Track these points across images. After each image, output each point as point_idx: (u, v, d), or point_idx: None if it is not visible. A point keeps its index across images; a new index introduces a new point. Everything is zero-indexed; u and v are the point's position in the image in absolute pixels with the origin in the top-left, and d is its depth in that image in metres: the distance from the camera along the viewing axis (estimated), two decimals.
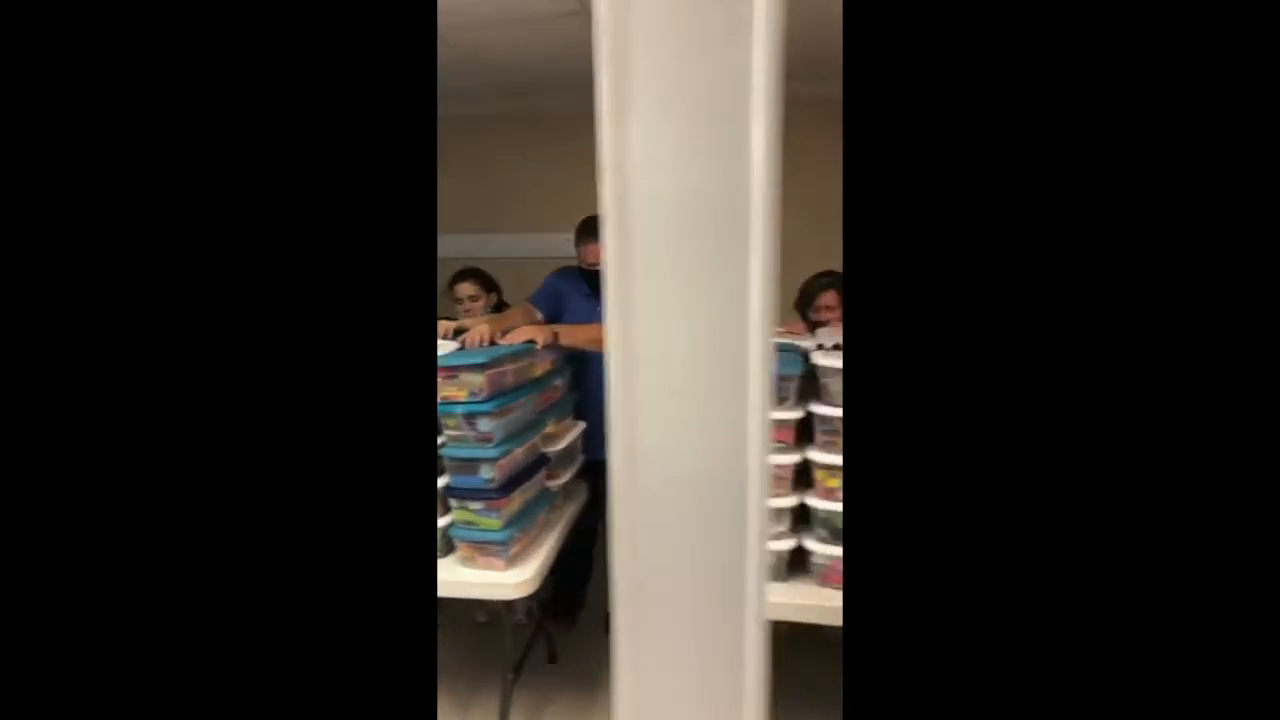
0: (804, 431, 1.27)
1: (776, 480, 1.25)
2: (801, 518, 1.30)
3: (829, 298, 1.76)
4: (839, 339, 1.35)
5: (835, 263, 1.88)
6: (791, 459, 1.24)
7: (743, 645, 0.49)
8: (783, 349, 1.32)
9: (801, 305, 1.83)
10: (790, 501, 1.25)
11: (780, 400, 1.24)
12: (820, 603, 1.23)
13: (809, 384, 1.27)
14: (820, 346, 1.28)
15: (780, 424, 1.23)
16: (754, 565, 0.48)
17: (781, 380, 1.23)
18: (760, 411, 0.47)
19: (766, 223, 0.45)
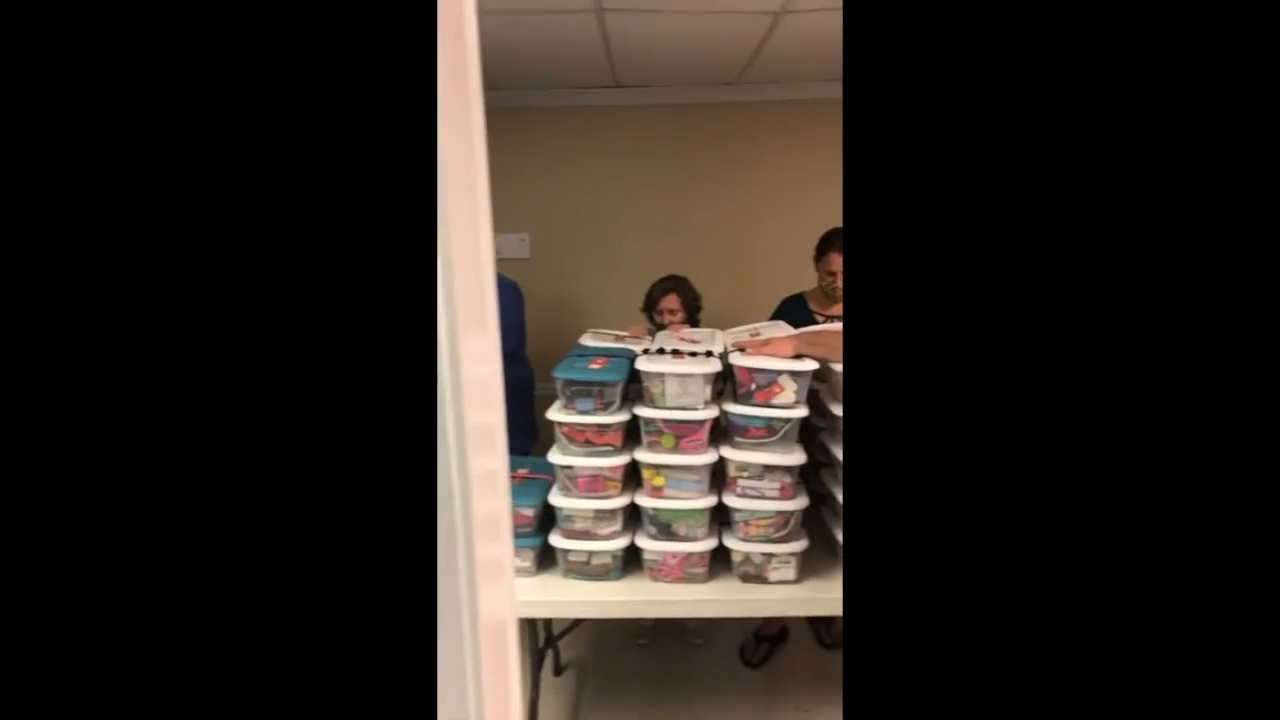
0: (632, 433, 1.31)
1: (607, 482, 1.29)
2: (633, 516, 1.34)
3: (670, 301, 1.84)
4: (675, 342, 1.40)
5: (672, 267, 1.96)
6: (621, 460, 1.28)
7: (463, 648, 0.51)
8: (612, 355, 1.36)
9: (646, 308, 1.89)
10: (622, 501, 1.29)
11: (606, 405, 1.27)
12: (651, 597, 1.28)
13: (635, 387, 1.31)
14: (645, 351, 1.33)
15: (608, 428, 1.27)
16: (465, 570, 0.50)
17: (608, 386, 1.26)
18: (455, 421, 0.48)
19: (449, 257, 0.47)
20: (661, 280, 1.88)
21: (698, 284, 1.96)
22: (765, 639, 1.96)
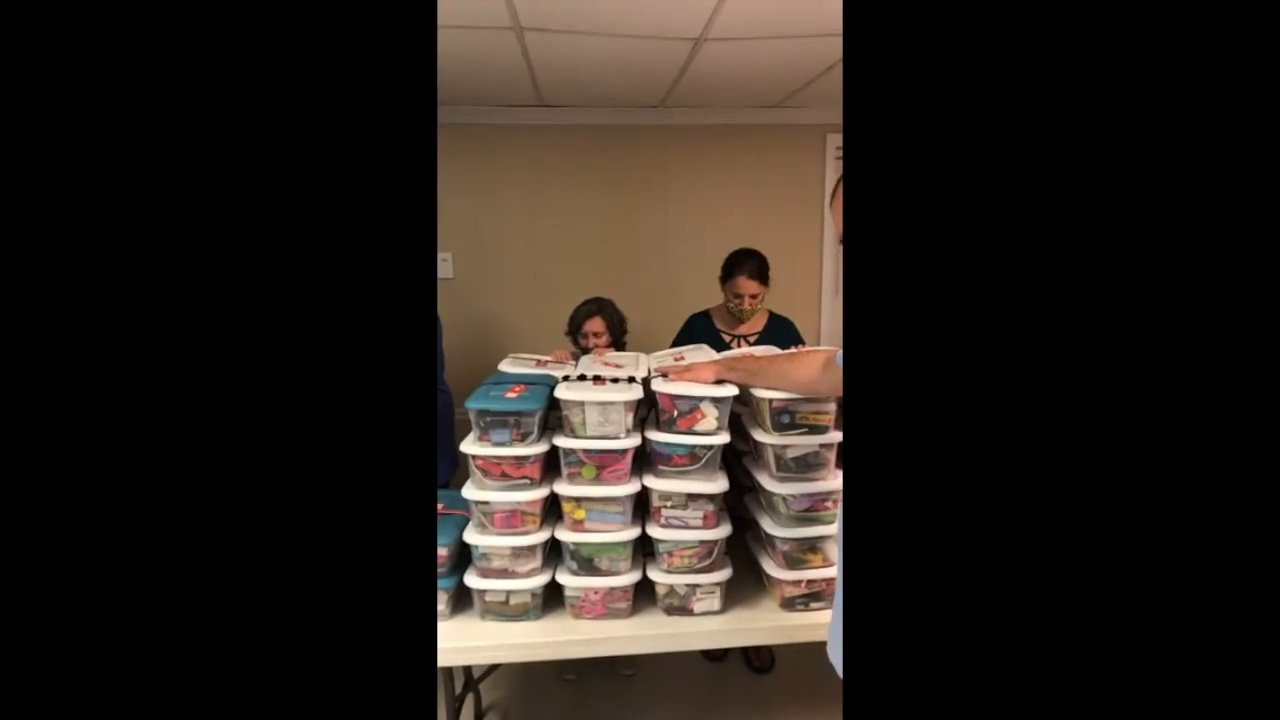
0: (551, 465, 1.26)
1: (525, 517, 1.23)
2: (554, 551, 1.28)
3: (594, 324, 1.80)
4: (598, 368, 1.37)
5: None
6: (541, 494, 1.22)
7: None
8: (530, 382, 1.31)
9: (571, 331, 1.85)
10: (541, 537, 1.23)
11: (523, 435, 1.21)
12: (573, 635, 1.23)
13: (555, 416, 1.27)
14: (566, 377, 1.28)
15: (525, 460, 1.21)
16: None
17: (524, 415, 1.21)
18: None
19: None
20: (586, 302, 1.85)
21: (625, 305, 1.94)
22: None
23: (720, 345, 1.84)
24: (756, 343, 1.86)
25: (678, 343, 1.92)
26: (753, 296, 1.84)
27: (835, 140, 2.66)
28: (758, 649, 1.98)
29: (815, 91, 2.30)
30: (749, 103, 2.44)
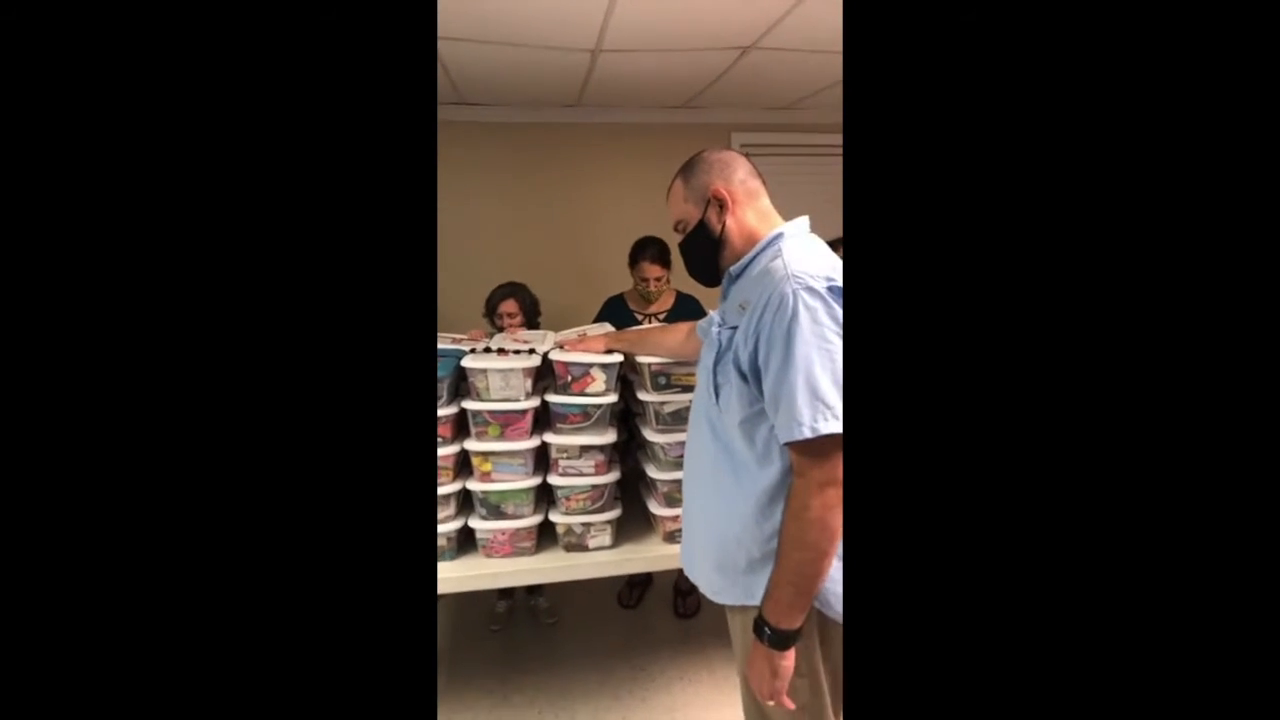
0: (462, 425, 1.44)
1: (440, 470, 1.41)
2: (465, 500, 1.47)
3: (508, 305, 1.98)
4: (507, 343, 1.55)
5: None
6: (452, 450, 1.41)
7: None
8: (441, 355, 1.49)
9: (488, 313, 2.03)
10: (454, 488, 1.42)
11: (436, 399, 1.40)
12: (482, 571, 1.42)
13: (464, 383, 1.45)
14: (473, 350, 1.47)
15: (438, 420, 1.39)
16: None
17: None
18: None
19: None
20: (501, 286, 2.03)
21: (544, 289, 2.12)
22: (635, 585, 2.20)
23: (634, 324, 2.05)
24: (665, 320, 2.08)
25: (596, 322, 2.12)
26: (656, 279, 2.06)
27: (740, 139, 2.91)
28: (685, 597, 2.19)
29: (716, 94, 2.54)
30: (656, 104, 2.65)
